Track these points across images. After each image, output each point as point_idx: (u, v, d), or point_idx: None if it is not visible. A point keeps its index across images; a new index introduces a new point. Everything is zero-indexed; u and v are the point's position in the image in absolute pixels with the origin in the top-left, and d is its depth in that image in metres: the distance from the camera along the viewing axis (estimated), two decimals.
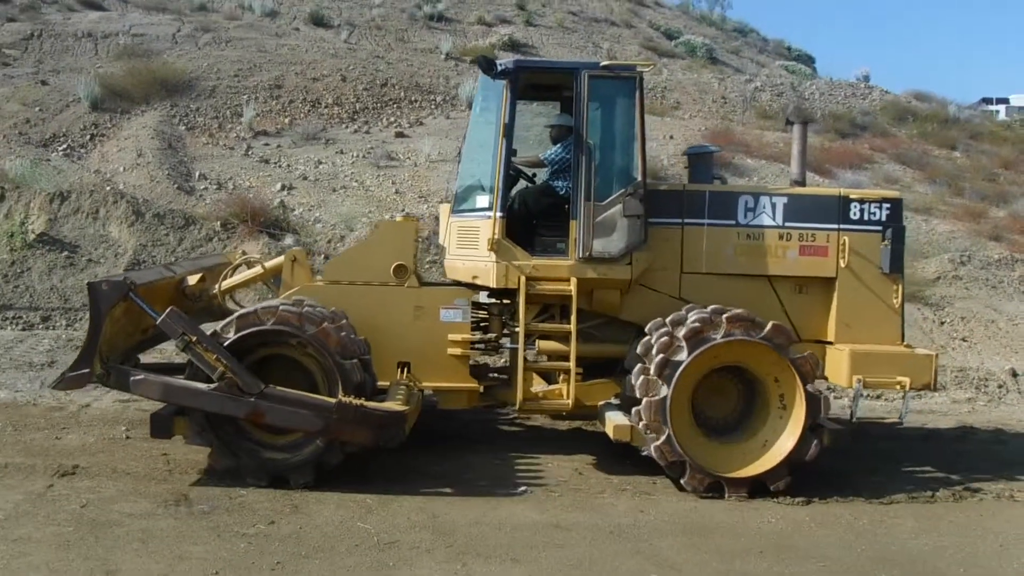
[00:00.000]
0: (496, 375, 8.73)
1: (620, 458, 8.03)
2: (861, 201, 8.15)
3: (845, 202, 8.15)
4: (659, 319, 7.71)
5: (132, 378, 6.80)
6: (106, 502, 6.51)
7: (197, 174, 14.67)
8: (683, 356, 7.23)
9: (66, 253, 12.10)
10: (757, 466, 7.35)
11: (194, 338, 6.68)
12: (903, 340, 8.25)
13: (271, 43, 20.92)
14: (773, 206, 8.12)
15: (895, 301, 8.16)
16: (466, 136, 9.18)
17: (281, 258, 8.36)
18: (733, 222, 8.12)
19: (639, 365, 7.47)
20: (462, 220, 8.14)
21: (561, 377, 8.11)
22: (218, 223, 12.93)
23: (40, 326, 11.36)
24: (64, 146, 15.81)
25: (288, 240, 12.83)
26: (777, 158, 18.58)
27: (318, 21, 23.77)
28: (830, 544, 6.44)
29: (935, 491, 7.71)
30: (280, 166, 15.82)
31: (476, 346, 8.40)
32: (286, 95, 18.90)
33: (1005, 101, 43.00)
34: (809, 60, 34.07)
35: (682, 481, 7.28)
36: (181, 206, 13.28)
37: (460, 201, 8.26)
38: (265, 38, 21.33)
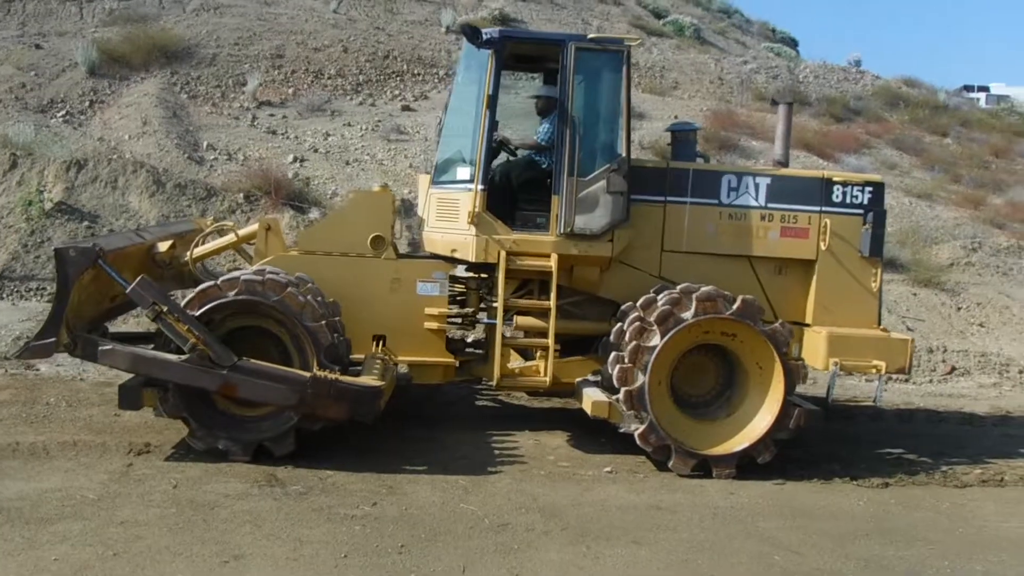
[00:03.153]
0: (472, 350, 8.69)
1: None
2: (844, 184, 8.08)
3: (828, 184, 8.07)
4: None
5: (100, 348, 6.75)
6: (196, 482, 6.41)
7: (205, 144, 14.59)
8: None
9: (86, 223, 12.00)
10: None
11: (164, 308, 6.64)
12: (880, 324, 8.20)
13: (269, 12, 20.74)
14: (756, 186, 8.04)
15: (873, 285, 8.10)
16: (447, 107, 9.10)
17: (255, 226, 8.30)
18: (716, 201, 8.04)
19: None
20: (442, 192, 8.07)
21: (539, 354, 8.08)
22: (240, 195, 12.85)
23: None
24: (63, 112, 15.74)
25: (314, 213, 12.76)
26: None
27: None
28: (927, 527, 6.51)
29: (1002, 475, 7.77)
30: (288, 138, 15.74)
31: (453, 320, 8.35)
32: (288, 65, 18.77)
33: (985, 89, 43.02)
34: (792, 43, 33.64)
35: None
36: (193, 176, 13.19)
37: (440, 173, 8.19)
38: (257, 6, 21.08)
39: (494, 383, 7.71)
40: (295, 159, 15.22)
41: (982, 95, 36.48)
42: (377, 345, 7.81)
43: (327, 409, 6.77)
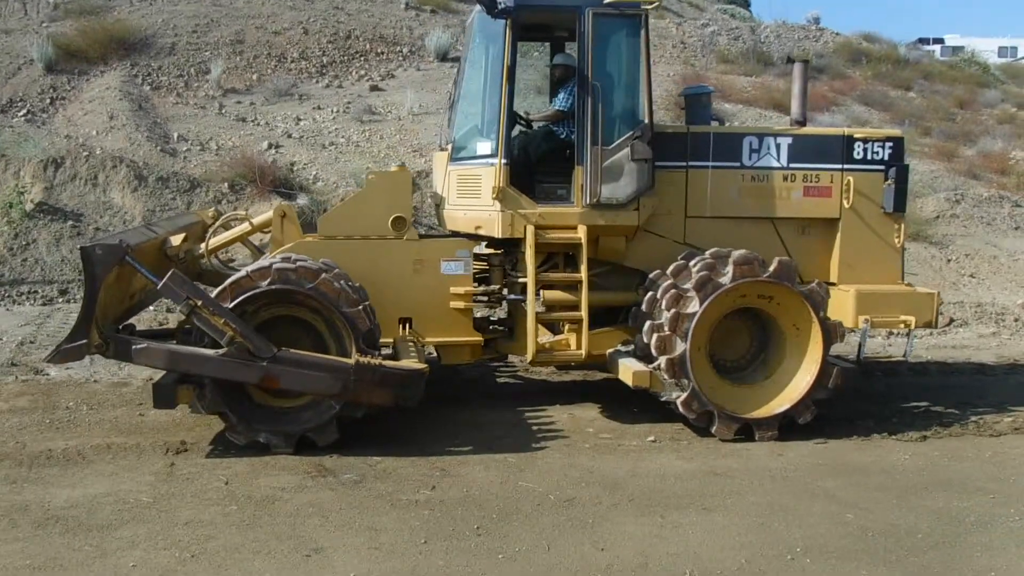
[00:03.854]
0: (495, 327, 8.58)
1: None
2: (864, 140, 8.07)
3: (849, 141, 8.06)
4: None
5: (134, 347, 6.51)
6: (246, 478, 6.22)
7: (176, 135, 14.21)
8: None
9: (71, 223, 11.63)
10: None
11: (199, 302, 6.42)
12: (903, 279, 8.25)
13: None
14: (778, 147, 8.01)
15: (896, 240, 8.14)
16: (457, 81, 8.88)
17: (269, 214, 8.08)
18: (738, 164, 8.00)
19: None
20: (462, 168, 7.90)
21: (567, 327, 8.00)
22: (225, 184, 12.54)
23: (59, 300, 10.95)
24: (24, 111, 15.23)
25: (302, 200, 12.50)
26: (751, 102, 18.52)
27: None
28: (980, 477, 6.54)
29: None
30: (259, 124, 15.43)
31: (479, 299, 8.22)
32: (249, 51, 18.40)
33: (940, 41, 43.54)
34: (745, 3, 33.74)
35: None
36: (171, 168, 12.83)
37: (459, 149, 8.00)
38: None
39: (528, 359, 7.60)
40: (270, 146, 14.94)
41: (937, 47, 36.95)
42: (403, 328, 7.66)
43: (371, 395, 6.62)
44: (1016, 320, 12.08)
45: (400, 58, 19.74)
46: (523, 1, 7.56)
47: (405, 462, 6.59)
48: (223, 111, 16.15)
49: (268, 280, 6.69)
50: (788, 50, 24.14)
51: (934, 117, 21.02)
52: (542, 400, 8.37)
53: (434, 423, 7.54)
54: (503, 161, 7.50)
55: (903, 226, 8.13)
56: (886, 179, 8.05)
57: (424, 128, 16.24)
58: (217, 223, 8.14)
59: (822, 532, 5.45)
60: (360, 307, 6.78)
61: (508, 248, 8.04)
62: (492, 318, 8.82)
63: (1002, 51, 36.91)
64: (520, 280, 7.96)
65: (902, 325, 7.88)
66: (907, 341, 7.97)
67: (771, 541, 5.29)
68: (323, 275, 6.76)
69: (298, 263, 6.84)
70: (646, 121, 7.62)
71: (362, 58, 19.36)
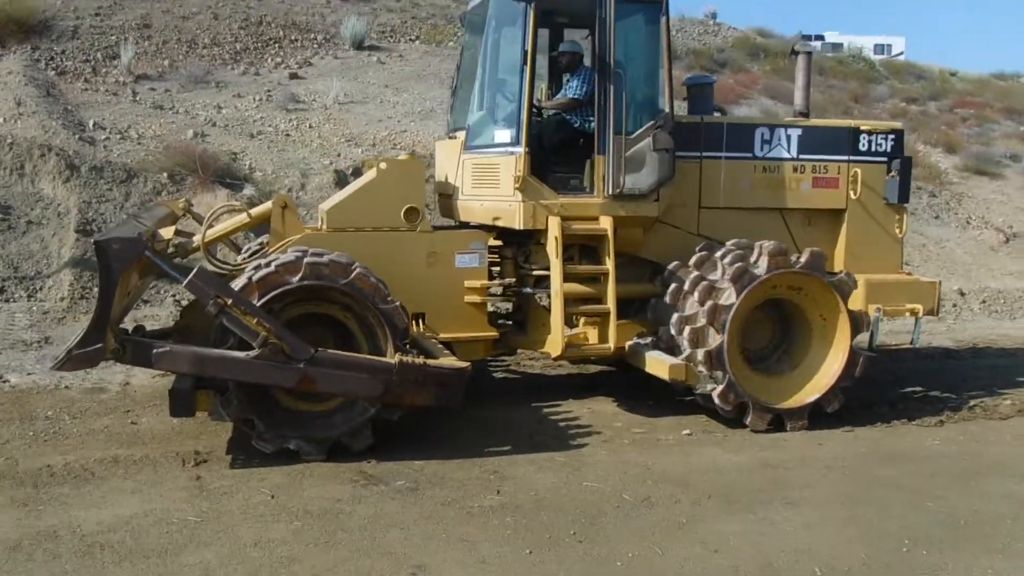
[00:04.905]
0: (505, 321, 8.27)
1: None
2: (870, 132, 8.18)
3: (855, 133, 8.16)
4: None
5: (155, 351, 5.89)
6: (289, 489, 5.75)
7: (91, 123, 13.14)
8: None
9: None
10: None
11: (229, 300, 5.88)
12: (902, 268, 8.42)
13: None
14: (788, 138, 8.03)
15: (898, 231, 8.28)
16: (461, 67, 8.54)
17: (268, 204, 7.54)
18: (750, 155, 7.97)
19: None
20: (479, 157, 7.56)
21: (583, 321, 7.78)
22: (164, 174, 11.65)
23: None
24: None
25: (248, 190, 11.75)
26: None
27: None
28: (1021, 461, 6.67)
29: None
30: (178, 112, 14.46)
31: (493, 293, 7.89)
32: (158, 35, 17.29)
33: (821, 38, 45.26)
34: None
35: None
36: (102, 157, 11.85)
37: (474, 136, 7.65)
38: None
39: (556, 354, 7.32)
40: (195, 134, 14.03)
41: (818, 43, 38.33)
42: (417, 324, 7.27)
43: (414, 396, 6.23)
44: (955, 306, 12.58)
45: (315, 46, 19.00)
46: None
47: (451, 465, 6.23)
48: (137, 98, 15.09)
49: (299, 276, 6.20)
50: (691, 44, 24.58)
51: (835, 111, 21.72)
52: (551, 395, 8.14)
53: (453, 422, 7.17)
54: (524, 150, 7.19)
55: (905, 216, 8.27)
56: (889, 171, 8.17)
57: (353, 117, 15.68)
58: (215, 212, 7.51)
59: (915, 522, 5.42)
60: (397, 303, 6.37)
61: (521, 240, 7.74)
62: (500, 312, 8.49)
63: (878, 48, 38.61)
64: (535, 273, 7.71)
65: (908, 313, 8.02)
66: (914, 328, 8.09)
67: (874, 534, 5.22)
68: (357, 269, 6.31)
69: (328, 257, 6.37)
70: (667, 110, 7.47)
71: (276, 45, 18.52)
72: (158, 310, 9.96)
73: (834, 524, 5.35)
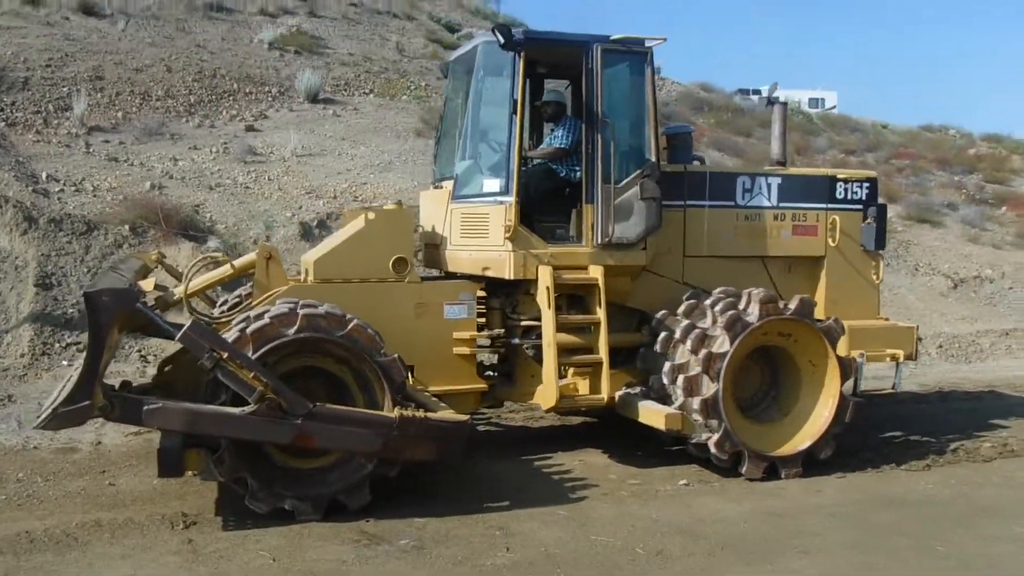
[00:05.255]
0: (492, 372, 8.16)
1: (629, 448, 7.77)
2: (846, 181, 8.33)
3: (832, 182, 8.31)
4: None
5: (145, 408, 5.65)
6: (290, 551, 5.54)
7: (44, 175, 12.79)
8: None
9: None
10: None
11: (225, 354, 5.68)
12: (879, 314, 8.53)
13: (77, 32, 18.79)
14: (769, 187, 8.13)
15: (875, 277, 8.41)
16: (445, 117, 8.49)
17: (252, 256, 7.37)
18: (732, 203, 8.05)
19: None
20: (467, 207, 7.50)
21: (572, 372, 7.70)
22: (125, 227, 11.35)
23: None
24: None
25: (213, 242, 11.49)
26: None
27: (88, 10, 21.11)
28: (1015, 502, 6.76)
29: (1006, 445, 8.29)
30: (134, 164, 14.17)
31: (482, 344, 7.77)
32: (110, 87, 17.01)
33: (758, 92, 46.36)
34: None
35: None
36: (60, 210, 11.51)
37: (462, 186, 7.59)
38: (36, 27, 18.92)
39: (550, 406, 7.23)
40: (152, 187, 13.76)
41: (755, 98, 39.22)
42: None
43: (414, 451, 6.07)
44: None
45: (270, 98, 18.89)
46: (531, 35, 7.32)
47: (453, 522, 6.06)
48: (91, 150, 14.77)
49: (295, 328, 6.03)
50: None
51: (755, 163, 22.24)
52: (538, 448, 8.02)
53: (446, 476, 7.01)
54: (513, 199, 7.15)
55: (881, 263, 8.41)
56: (865, 218, 8.32)
57: (312, 170, 15.56)
58: (192, 266, 7.29)
59: (928, 567, 5.43)
60: (395, 355, 6.23)
61: (508, 290, 7.67)
62: (485, 363, 8.37)
63: (812, 101, 39.65)
64: (523, 323, 7.63)
65: (889, 359, 8.11)
66: (896, 373, 8.18)
67: None
68: (354, 322, 6.17)
69: (324, 308, 6.22)
70: (653, 159, 7.51)
71: (231, 98, 18.36)
72: (123, 366, 9.62)
73: (850, 572, 5.31)
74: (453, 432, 6.13)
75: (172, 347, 9.38)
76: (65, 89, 16.26)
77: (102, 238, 11.28)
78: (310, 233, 12.83)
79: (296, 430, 5.82)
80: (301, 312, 6.08)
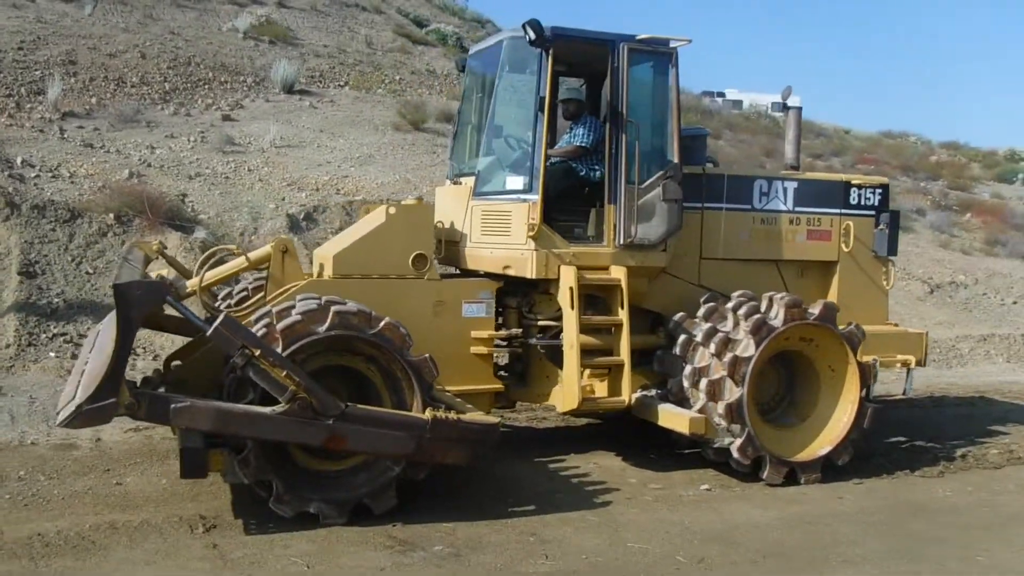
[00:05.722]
0: (505, 373, 8.02)
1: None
2: (860, 187, 8.33)
3: (847, 187, 8.29)
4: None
5: (174, 406, 5.42)
6: (323, 557, 5.36)
7: (19, 160, 12.34)
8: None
9: None
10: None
11: (257, 351, 5.47)
12: (888, 320, 8.56)
13: (50, 14, 18.25)
14: (785, 191, 8.09)
15: (885, 283, 8.43)
16: (463, 111, 8.31)
17: (267, 248, 7.15)
18: (749, 207, 8.00)
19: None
20: (488, 204, 7.35)
21: (587, 373, 7.58)
22: (110, 215, 10.98)
23: None
24: None
25: (200, 233, 11.16)
26: None
27: None
28: None
29: (1012, 452, 8.34)
30: (109, 151, 13.77)
31: (500, 344, 7.62)
32: (84, 72, 16.54)
33: (722, 95, 46.77)
34: None
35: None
36: (44, 196, 11.10)
37: (484, 182, 7.44)
38: (4, 8, 18.31)
39: (572, 408, 7.09)
40: (131, 175, 13.38)
41: (719, 100, 39.44)
42: None
43: (446, 454, 5.92)
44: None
45: (246, 88, 18.53)
46: (559, 31, 7.18)
47: (482, 528, 5.92)
48: (65, 135, 14.33)
49: (327, 325, 5.83)
50: None
51: (750, 164, 22.39)
52: (550, 450, 7.89)
53: (463, 478, 6.84)
54: (537, 198, 7.02)
55: (892, 269, 8.43)
56: (877, 224, 8.33)
57: (292, 161, 15.28)
58: (204, 257, 7.03)
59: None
60: (426, 355, 6.06)
61: (525, 289, 7.54)
62: (497, 364, 8.21)
63: (775, 105, 39.91)
64: (539, 323, 7.51)
65: (900, 364, 8.15)
66: (907, 378, 8.21)
67: None
68: (385, 319, 5.99)
69: (350, 305, 6.03)
70: (676, 160, 7.43)
71: (206, 86, 17.97)
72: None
73: None
74: (485, 434, 6.00)
75: (165, 342, 9.12)
76: (38, 73, 15.79)
77: (86, 226, 10.91)
78: (297, 226, 12.57)
79: (328, 431, 5.63)
80: (333, 309, 5.89)
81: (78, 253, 10.57)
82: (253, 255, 7.15)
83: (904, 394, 8.32)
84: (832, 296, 8.25)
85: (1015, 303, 16.49)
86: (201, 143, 15.31)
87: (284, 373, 5.52)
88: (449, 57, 26.51)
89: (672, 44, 7.45)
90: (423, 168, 16.01)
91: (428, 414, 5.83)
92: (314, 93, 19.50)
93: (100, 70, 16.75)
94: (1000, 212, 23.00)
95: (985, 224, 21.93)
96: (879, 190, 8.40)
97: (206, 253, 7.06)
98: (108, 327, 6.79)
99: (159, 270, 7.56)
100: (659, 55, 7.44)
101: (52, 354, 9.16)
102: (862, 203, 8.32)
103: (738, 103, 36.77)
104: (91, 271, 10.51)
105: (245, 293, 7.74)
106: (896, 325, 8.61)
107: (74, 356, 9.16)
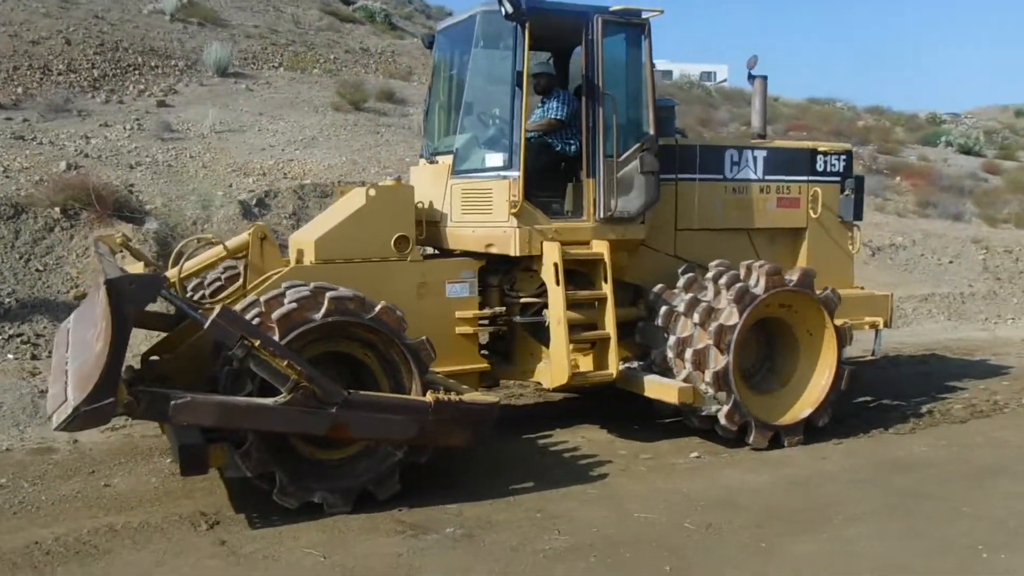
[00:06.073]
0: (485, 352, 7.99)
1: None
2: (825, 154, 8.48)
3: (813, 155, 8.44)
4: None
5: (173, 402, 5.26)
6: (337, 547, 5.28)
7: None
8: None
9: None
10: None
11: (257, 342, 5.35)
12: (854, 284, 8.77)
13: None
14: (755, 160, 8.20)
15: (851, 247, 8.63)
16: (433, 89, 8.20)
17: (244, 236, 6.99)
18: (721, 176, 8.09)
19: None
20: (467, 182, 7.30)
21: (571, 347, 7.60)
22: (56, 209, 10.56)
23: None
24: None
25: (153, 224, 10.82)
26: None
27: None
28: (1013, 461, 6.99)
29: (975, 407, 8.62)
30: (43, 143, 13.26)
31: (483, 323, 7.58)
32: (7, 61, 15.92)
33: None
34: None
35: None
36: None
37: (462, 160, 7.37)
38: None
39: (561, 383, 7.10)
40: (68, 166, 12.92)
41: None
42: None
43: (449, 436, 5.90)
44: None
45: (178, 72, 18.04)
46: (533, 4, 7.11)
47: (486, 507, 5.91)
48: None
49: (323, 312, 5.73)
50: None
51: (695, 133, 22.62)
52: (534, 427, 7.91)
53: (456, 459, 6.80)
54: (518, 174, 6.99)
55: (857, 233, 8.62)
56: (843, 190, 8.51)
57: (234, 146, 14.92)
58: (180, 248, 6.85)
59: (970, 528, 5.57)
60: (423, 338, 6.01)
61: (506, 267, 7.52)
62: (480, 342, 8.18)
63: (704, 75, 40.36)
64: (522, 300, 7.51)
65: (868, 326, 8.36)
66: (875, 339, 8.43)
67: (945, 543, 5.33)
68: (381, 304, 5.92)
69: (342, 291, 5.94)
70: (651, 133, 7.46)
71: (136, 72, 17.44)
72: None
73: (900, 537, 5.43)
74: (485, 414, 5.98)
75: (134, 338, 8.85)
76: None
77: (31, 222, 10.52)
78: (250, 212, 12.30)
79: (332, 419, 5.55)
80: (328, 295, 5.79)
81: (26, 250, 10.19)
82: (231, 243, 7.00)
83: (873, 355, 8.54)
84: (802, 262, 8.40)
85: (951, 262, 17.02)
86: (138, 131, 14.85)
87: (285, 363, 5.41)
88: (380, 35, 26.19)
89: (644, 15, 7.45)
90: (368, 148, 15.79)
91: (430, 397, 5.79)
92: (249, 75, 19.07)
93: (24, 58, 16.14)
94: (928, 175, 23.65)
95: (915, 187, 22.55)
96: (843, 156, 8.57)
97: (182, 243, 6.88)
98: (80, 323, 6.60)
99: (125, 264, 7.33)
100: (632, 26, 7.44)
101: (10, 356, 8.82)
102: (828, 170, 8.49)
103: (668, 73, 37.04)
104: (41, 268, 10.15)
105: (219, 283, 7.55)
106: (863, 288, 8.81)
107: (34, 357, 8.87)
